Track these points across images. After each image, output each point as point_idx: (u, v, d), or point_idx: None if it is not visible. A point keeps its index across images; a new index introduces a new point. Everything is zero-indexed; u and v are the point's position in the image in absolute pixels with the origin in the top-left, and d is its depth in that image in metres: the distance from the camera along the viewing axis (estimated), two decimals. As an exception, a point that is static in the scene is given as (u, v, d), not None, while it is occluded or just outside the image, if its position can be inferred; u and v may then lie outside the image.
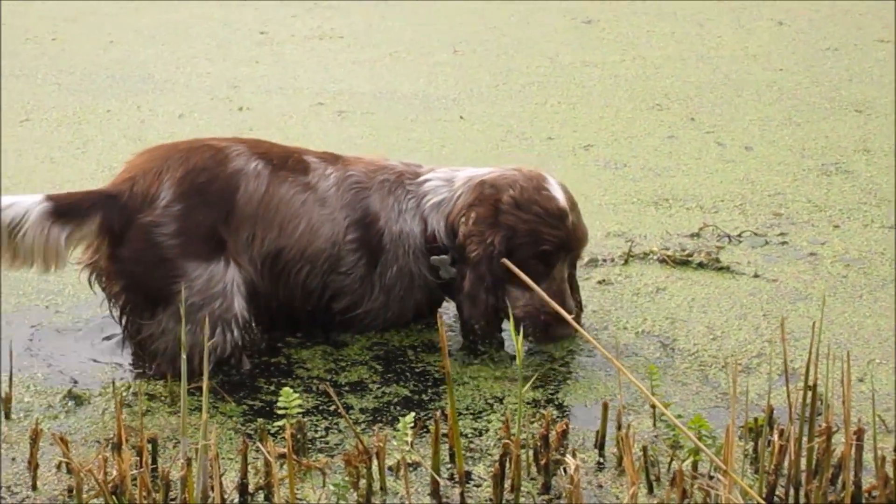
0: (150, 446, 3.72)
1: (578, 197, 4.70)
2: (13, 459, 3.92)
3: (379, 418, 4.17)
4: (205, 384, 3.29)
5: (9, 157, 6.52)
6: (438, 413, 3.78)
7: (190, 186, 4.39)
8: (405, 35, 9.12)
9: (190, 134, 6.23)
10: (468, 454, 3.93)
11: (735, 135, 6.94)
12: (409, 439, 3.73)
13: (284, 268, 4.51)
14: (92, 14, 9.68)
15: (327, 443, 4.03)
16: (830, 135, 6.92)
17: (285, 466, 3.65)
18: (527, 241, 4.48)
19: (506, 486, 3.68)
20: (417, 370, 4.49)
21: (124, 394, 4.31)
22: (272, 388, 4.34)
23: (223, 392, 4.29)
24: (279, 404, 3.83)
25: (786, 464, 3.64)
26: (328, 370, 4.48)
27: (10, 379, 4.24)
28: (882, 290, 5.04)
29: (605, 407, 3.96)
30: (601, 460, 3.93)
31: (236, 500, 3.69)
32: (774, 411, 3.88)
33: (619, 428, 3.82)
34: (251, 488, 3.71)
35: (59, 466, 3.85)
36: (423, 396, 4.33)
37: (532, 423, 4.09)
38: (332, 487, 3.68)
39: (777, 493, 3.62)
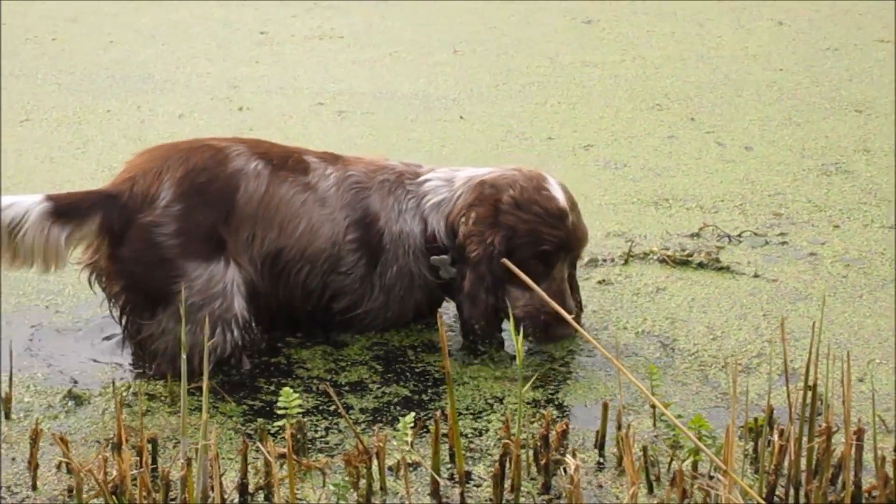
0: (150, 446, 3.72)
1: (578, 197, 4.69)
2: (13, 459, 3.92)
3: (379, 418, 4.17)
4: (205, 384, 3.29)
5: (9, 157, 6.52)
6: (438, 413, 3.78)
7: (190, 186, 4.39)
8: (405, 35, 9.11)
9: (190, 134, 6.22)
10: (468, 454, 3.93)
11: (735, 135, 6.94)
12: (409, 439, 3.72)
13: (284, 268, 4.51)
14: (92, 14, 9.68)
15: (327, 443, 4.02)
16: (830, 135, 6.92)
17: (285, 466, 3.64)
18: (527, 241, 4.48)
19: (506, 486, 3.68)
20: (417, 370, 4.49)
21: (124, 394, 4.30)
22: (272, 388, 4.34)
23: (223, 392, 4.29)
24: (279, 404, 3.83)
25: (786, 464, 3.64)
26: (328, 370, 4.48)
27: (10, 379, 4.24)
28: (882, 290, 5.03)
29: (605, 407, 3.96)
30: (601, 460, 3.92)
31: (236, 500, 3.69)
32: (774, 411, 3.87)
33: (619, 428, 3.82)
34: (251, 488, 3.71)
35: (59, 466, 3.84)
36: (423, 396, 4.32)
37: (532, 423, 4.08)
38: (332, 487, 3.68)
39: (777, 493, 3.62)
